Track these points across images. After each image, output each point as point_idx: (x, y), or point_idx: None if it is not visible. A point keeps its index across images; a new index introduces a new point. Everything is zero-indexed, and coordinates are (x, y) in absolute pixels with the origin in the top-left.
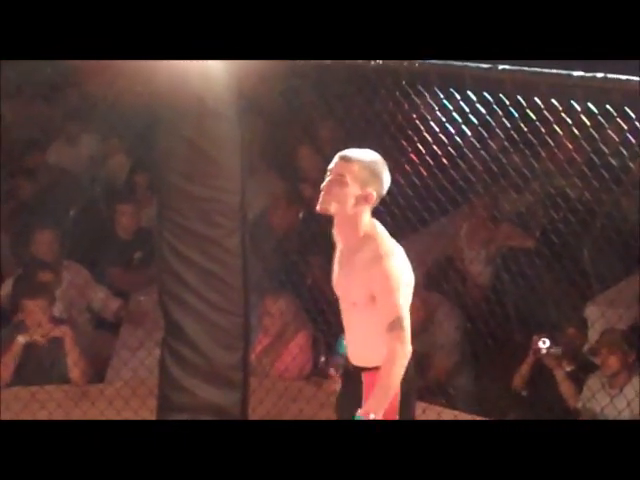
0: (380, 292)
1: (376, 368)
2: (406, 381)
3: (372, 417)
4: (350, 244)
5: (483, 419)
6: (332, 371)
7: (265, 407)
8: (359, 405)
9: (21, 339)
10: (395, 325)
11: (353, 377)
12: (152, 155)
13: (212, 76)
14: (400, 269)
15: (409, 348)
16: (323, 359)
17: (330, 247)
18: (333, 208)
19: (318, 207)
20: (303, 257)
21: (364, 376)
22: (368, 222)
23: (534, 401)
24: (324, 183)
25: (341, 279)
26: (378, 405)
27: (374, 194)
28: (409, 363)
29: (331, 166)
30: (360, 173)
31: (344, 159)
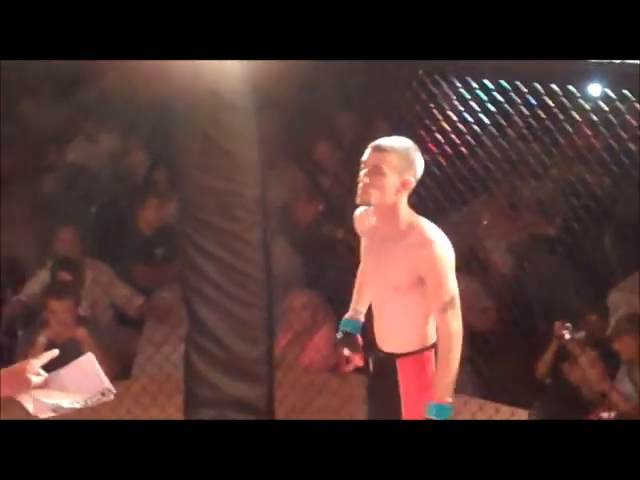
0: (431, 275)
1: (413, 353)
2: None
3: (450, 401)
4: (392, 232)
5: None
6: (346, 351)
7: (291, 400)
8: (393, 393)
9: (42, 339)
10: (450, 305)
11: (386, 364)
12: (171, 150)
13: (227, 70)
14: (448, 252)
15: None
16: (347, 352)
17: (353, 239)
18: (374, 199)
19: (358, 199)
20: (325, 250)
21: (399, 362)
22: (407, 209)
23: (558, 389)
24: (361, 175)
25: (381, 267)
26: (449, 387)
27: (412, 180)
28: None
29: (365, 158)
30: (396, 161)
31: (378, 149)
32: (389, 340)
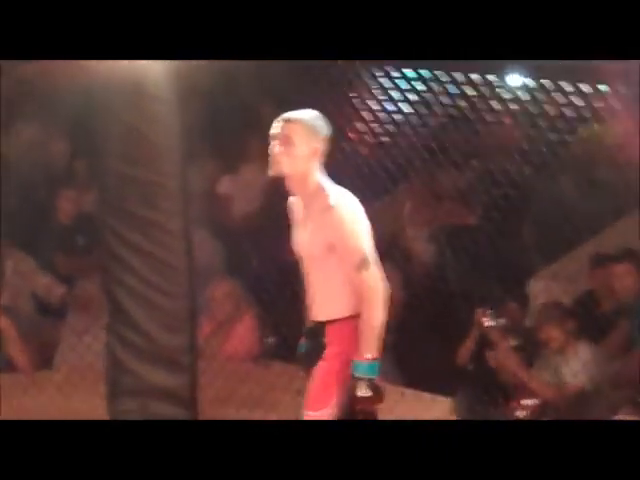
0: (338, 238)
1: (340, 320)
2: None
3: (369, 356)
4: (304, 200)
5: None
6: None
7: (214, 389)
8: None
9: None
10: (363, 264)
11: (315, 333)
12: (92, 140)
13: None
14: (353, 215)
15: (386, 284)
16: (271, 340)
17: (275, 227)
18: (286, 168)
19: (270, 171)
20: (246, 239)
21: (328, 329)
22: (318, 175)
23: (480, 376)
24: (271, 147)
25: (299, 236)
26: (373, 345)
27: (320, 147)
28: None
29: (274, 131)
30: (304, 131)
31: (286, 121)
32: (319, 309)
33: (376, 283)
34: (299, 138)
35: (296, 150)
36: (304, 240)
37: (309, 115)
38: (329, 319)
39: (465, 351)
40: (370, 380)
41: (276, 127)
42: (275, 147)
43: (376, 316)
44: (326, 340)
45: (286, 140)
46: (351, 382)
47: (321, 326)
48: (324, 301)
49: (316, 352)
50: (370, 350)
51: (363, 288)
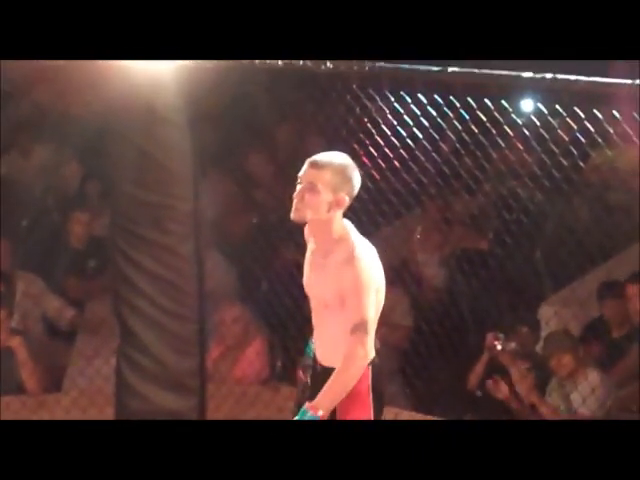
0: (349, 294)
1: None
2: (377, 383)
3: (320, 414)
4: (324, 247)
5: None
6: (300, 373)
7: (222, 412)
8: None
9: None
10: (359, 327)
11: (321, 378)
12: (104, 163)
13: (162, 83)
14: (370, 272)
15: (370, 352)
16: (279, 364)
17: (285, 251)
18: (308, 215)
19: (292, 215)
20: (258, 263)
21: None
22: (341, 224)
23: (490, 401)
24: (296, 192)
25: (313, 281)
26: (329, 403)
27: (346, 198)
28: (380, 365)
29: (301, 173)
30: (331, 179)
31: (314, 166)
32: (325, 355)
33: (363, 353)
34: (324, 186)
35: (319, 198)
36: (318, 284)
37: (339, 162)
38: (331, 366)
39: (474, 376)
40: None
41: (303, 170)
42: (299, 193)
43: (347, 381)
44: None
45: (310, 187)
46: None
47: (328, 372)
48: (330, 348)
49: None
50: (325, 407)
51: (349, 349)
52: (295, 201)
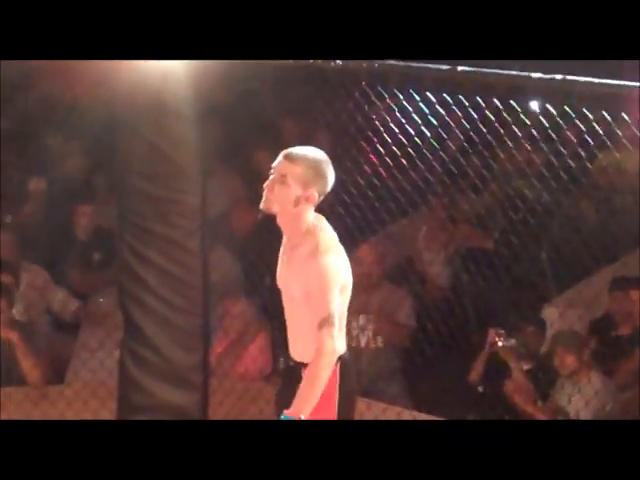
0: (315, 288)
1: None
2: (345, 381)
3: (302, 417)
4: (292, 240)
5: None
6: (282, 363)
7: (225, 408)
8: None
9: None
10: (326, 321)
11: (294, 373)
12: (111, 156)
13: (171, 77)
14: (337, 267)
15: (339, 347)
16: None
17: None
18: (275, 208)
19: (261, 205)
20: (262, 258)
21: (304, 372)
22: (311, 219)
23: (493, 399)
24: (267, 182)
25: (282, 274)
26: (306, 404)
27: (316, 195)
28: (348, 363)
29: (275, 164)
30: (302, 174)
31: (288, 158)
32: (296, 349)
33: (329, 345)
34: (294, 180)
35: (288, 191)
36: (286, 278)
37: (313, 156)
38: (302, 362)
39: (476, 371)
40: None
41: (277, 160)
42: (269, 183)
43: (320, 377)
44: None
45: (281, 179)
46: None
47: (299, 367)
48: (300, 343)
49: (292, 393)
50: (304, 410)
51: (318, 345)
52: (265, 191)
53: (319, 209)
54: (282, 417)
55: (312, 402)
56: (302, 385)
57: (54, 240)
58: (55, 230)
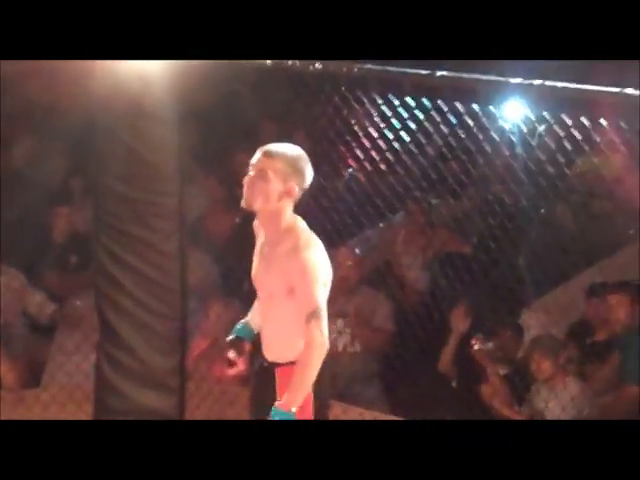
0: (299, 283)
1: (290, 363)
2: (320, 382)
3: (293, 410)
4: (272, 237)
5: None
6: (231, 353)
7: (202, 411)
8: (273, 402)
9: None
10: (314, 315)
11: (266, 374)
12: (89, 158)
13: (150, 79)
14: (319, 262)
15: (327, 341)
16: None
17: None
18: (257, 204)
19: (243, 203)
20: (240, 261)
21: (277, 372)
22: (290, 216)
23: (470, 403)
24: (246, 179)
25: (260, 271)
26: (297, 397)
27: (296, 188)
28: (323, 366)
29: (253, 161)
30: (282, 168)
31: (266, 154)
32: (271, 349)
33: (321, 339)
34: (275, 175)
35: (270, 186)
36: (266, 275)
37: (291, 152)
38: (278, 362)
39: (445, 357)
40: None
41: (256, 157)
42: (249, 180)
43: (311, 371)
44: (277, 386)
45: (261, 175)
46: None
47: (272, 367)
48: (276, 342)
49: (266, 393)
50: (295, 402)
51: (308, 339)
52: (245, 188)
53: (297, 212)
54: (273, 410)
55: (304, 394)
56: (293, 378)
57: (30, 243)
58: (31, 233)
